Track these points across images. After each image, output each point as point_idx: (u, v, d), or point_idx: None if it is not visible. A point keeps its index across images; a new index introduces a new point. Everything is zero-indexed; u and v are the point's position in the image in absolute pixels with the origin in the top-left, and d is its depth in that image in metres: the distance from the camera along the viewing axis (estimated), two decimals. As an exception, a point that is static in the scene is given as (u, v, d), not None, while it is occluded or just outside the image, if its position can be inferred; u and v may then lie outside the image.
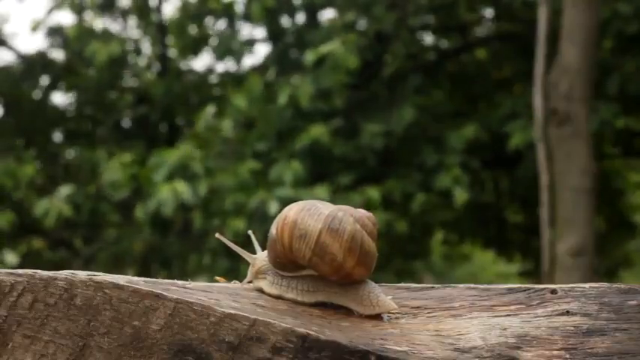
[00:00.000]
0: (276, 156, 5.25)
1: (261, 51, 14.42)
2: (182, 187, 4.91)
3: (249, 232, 1.00)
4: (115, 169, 5.42)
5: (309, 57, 5.22)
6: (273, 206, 4.72)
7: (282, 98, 5.18)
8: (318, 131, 5.15)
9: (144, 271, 5.84)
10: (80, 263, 6.27)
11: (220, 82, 7.01)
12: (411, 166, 5.73)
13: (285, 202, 4.34)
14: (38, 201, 5.61)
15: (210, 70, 7.25)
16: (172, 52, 7.51)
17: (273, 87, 5.49)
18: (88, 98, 7.13)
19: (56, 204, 5.48)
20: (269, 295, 0.91)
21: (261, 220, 4.68)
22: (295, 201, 0.93)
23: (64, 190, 5.77)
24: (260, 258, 0.94)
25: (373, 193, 5.09)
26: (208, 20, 6.90)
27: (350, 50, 5.27)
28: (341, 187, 5.26)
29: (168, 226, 5.63)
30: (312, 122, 5.27)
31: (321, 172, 5.40)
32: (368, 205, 5.04)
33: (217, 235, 1.01)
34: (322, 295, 0.90)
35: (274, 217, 0.92)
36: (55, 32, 7.09)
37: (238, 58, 6.53)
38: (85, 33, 6.79)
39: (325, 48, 5.21)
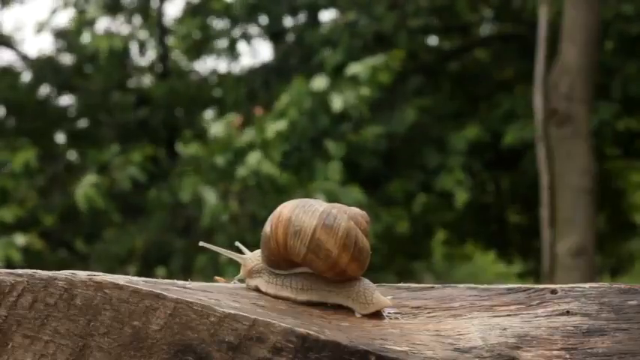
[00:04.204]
0: (311, 159, 5.21)
1: (264, 51, 14.47)
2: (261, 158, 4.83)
3: (237, 243, 0.99)
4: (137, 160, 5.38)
5: (354, 69, 5.16)
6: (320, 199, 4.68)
7: (337, 104, 5.12)
8: (374, 129, 5.12)
9: (145, 271, 5.82)
10: (79, 262, 6.24)
11: (221, 82, 7.00)
12: (414, 168, 5.73)
13: (330, 196, 4.32)
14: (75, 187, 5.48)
15: (212, 72, 7.24)
16: (174, 54, 7.51)
17: (325, 93, 5.43)
18: (90, 100, 7.13)
19: (88, 190, 5.34)
20: (265, 294, 0.91)
21: None
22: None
23: (90, 178, 5.57)
24: (252, 258, 0.94)
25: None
26: (210, 21, 6.90)
27: (388, 68, 5.22)
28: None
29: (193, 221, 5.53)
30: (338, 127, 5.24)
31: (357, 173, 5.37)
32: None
33: (201, 243, 1.00)
34: (317, 292, 0.90)
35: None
36: (61, 35, 7.08)
37: (234, 53, 6.51)
38: (85, 24, 6.77)
39: (368, 63, 5.16)
